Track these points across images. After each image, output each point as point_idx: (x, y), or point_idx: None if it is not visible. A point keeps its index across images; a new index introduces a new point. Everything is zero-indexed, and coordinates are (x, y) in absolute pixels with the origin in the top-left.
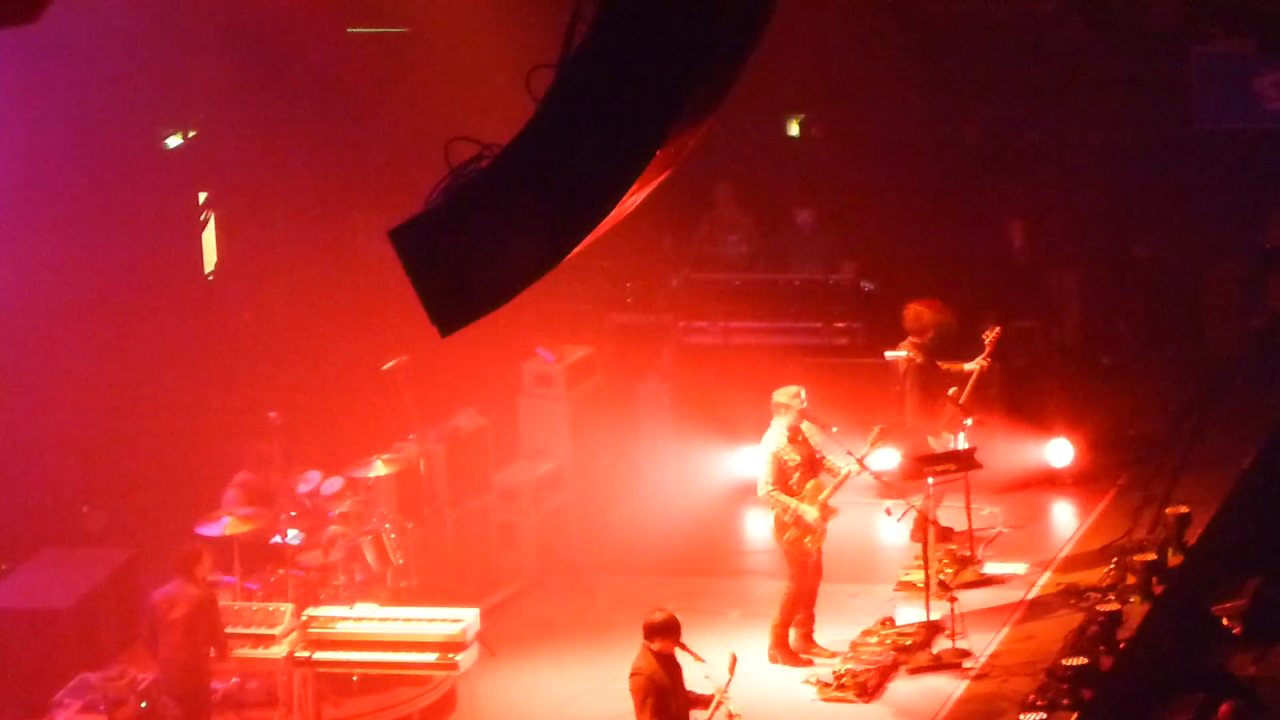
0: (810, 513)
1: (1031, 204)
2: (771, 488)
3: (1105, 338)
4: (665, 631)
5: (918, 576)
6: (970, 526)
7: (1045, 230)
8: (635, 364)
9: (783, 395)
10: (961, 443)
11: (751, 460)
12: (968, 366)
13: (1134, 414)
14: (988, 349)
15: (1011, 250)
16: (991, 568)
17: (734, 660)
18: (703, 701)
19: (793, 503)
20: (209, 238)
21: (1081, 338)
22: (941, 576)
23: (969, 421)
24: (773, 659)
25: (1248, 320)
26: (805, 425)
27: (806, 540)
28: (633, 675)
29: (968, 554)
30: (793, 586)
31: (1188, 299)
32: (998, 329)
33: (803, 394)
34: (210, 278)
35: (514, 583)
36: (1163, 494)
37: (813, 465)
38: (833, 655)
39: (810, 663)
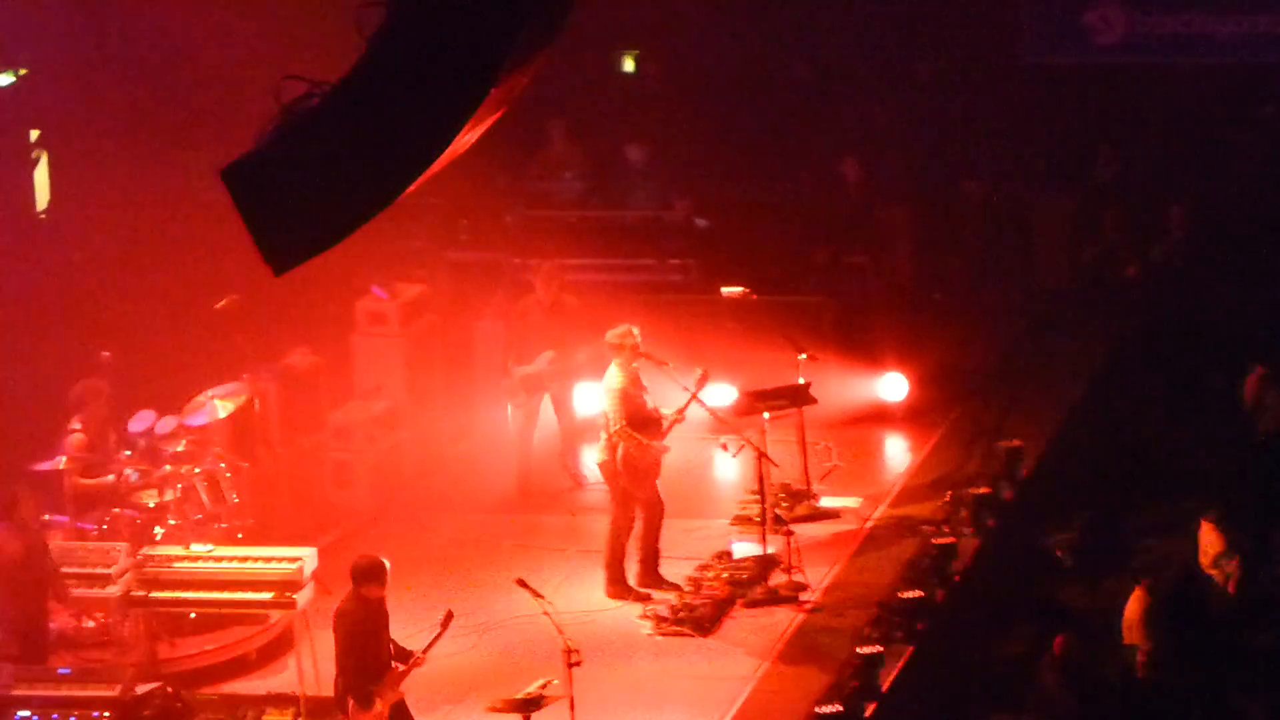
0: (658, 446)
1: (863, 140)
2: (621, 425)
3: (936, 273)
4: (371, 576)
5: (753, 511)
6: (805, 461)
7: (877, 166)
8: (470, 302)
9: (614, 335)
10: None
11: (588, 397)
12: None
13: (965, 349)
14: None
15: (844, 186)
16: (826, 502)
17: (449, 617)
18: (404, 656)
19: (642, 439)
20: (41, 176)
21: (913, 273)
22: (777, 511)
23: (803, 356)
24: (611, 594)
25: (1078, 255)
26: (638, 363)
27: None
28: (336, 617)
29: (803, 488)
30: (643, 521)
31: (1018, 234)
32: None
33: (636, 332)
34: (42, 216)
35: (349, 521)
36: (994, 428)
37: (647, 403)
38: (674, 588)
39: (648, 597)
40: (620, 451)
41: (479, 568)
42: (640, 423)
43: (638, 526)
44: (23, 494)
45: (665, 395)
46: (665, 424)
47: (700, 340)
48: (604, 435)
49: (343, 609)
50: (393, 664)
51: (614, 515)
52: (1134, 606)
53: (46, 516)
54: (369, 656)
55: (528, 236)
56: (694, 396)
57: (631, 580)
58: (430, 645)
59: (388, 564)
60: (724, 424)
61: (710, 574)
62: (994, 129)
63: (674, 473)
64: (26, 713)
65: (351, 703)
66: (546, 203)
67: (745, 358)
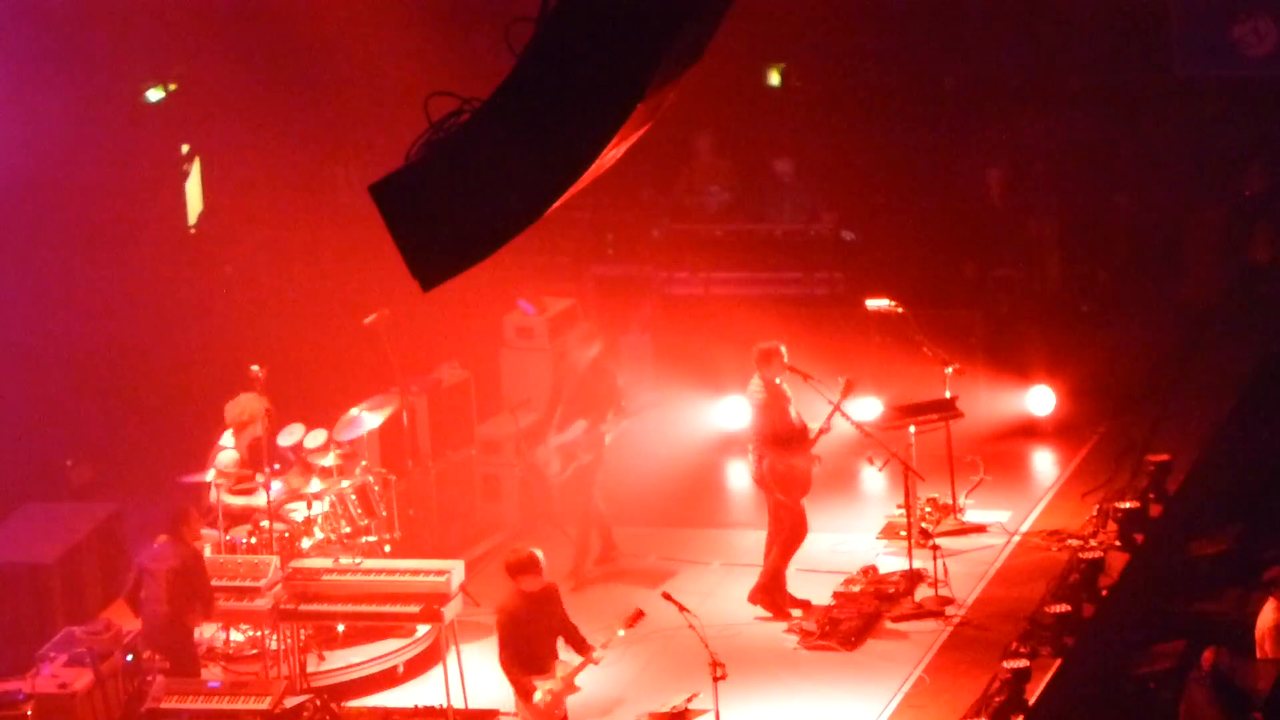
0: (806, 460)
1: (1011, 152)
2: (764, 437)
3: (1085, 286)
4: (525, 568)
5: (900, 525)
6: (952, 475)
7: (1025, 179)
8: (617, 315)
9: (761, 349)
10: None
11: (736, 411)
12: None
13: (1114, 362)
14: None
15: (991, 199)
16: (973, 516)
17: (637, 615)
18: (584, 648)
19: (785, 454)
20: (192, 189)
21: (1061, 286)
22: (923, 525)
23: (950, 370)
24: (756, 601)
25: (1227, 268)
26: (785, 377)
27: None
28: (498, 612)
29: (949, 502)
30: (786, 537)
31: (1168, 247)
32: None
33: (783, 348)
34: (193, 230)
35: (497, 534)
36: (1143, 442)
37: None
38: (801, 605)
39: (791, 614)
40: (766, 464)
41: (625, 580)
42: (785, 436)
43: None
44: (192, 511)
45: (812, 409)
46: (811, 435)
47: (846, 353)
48: (750, 448)
49: (503, 604)
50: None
51: (770, 528)
52: (1266, 618)
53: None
54: (531, 649)
55: (674, 250)
56: (837, 407)
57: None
58: (608, 643)
59: (541, 555)
60: (870, 438)
61: (856, 588)
62: (1144, 142)
63: (820, 487)
64: None
65: (516, 694)
66: (692, 216)
67: (892, 371)
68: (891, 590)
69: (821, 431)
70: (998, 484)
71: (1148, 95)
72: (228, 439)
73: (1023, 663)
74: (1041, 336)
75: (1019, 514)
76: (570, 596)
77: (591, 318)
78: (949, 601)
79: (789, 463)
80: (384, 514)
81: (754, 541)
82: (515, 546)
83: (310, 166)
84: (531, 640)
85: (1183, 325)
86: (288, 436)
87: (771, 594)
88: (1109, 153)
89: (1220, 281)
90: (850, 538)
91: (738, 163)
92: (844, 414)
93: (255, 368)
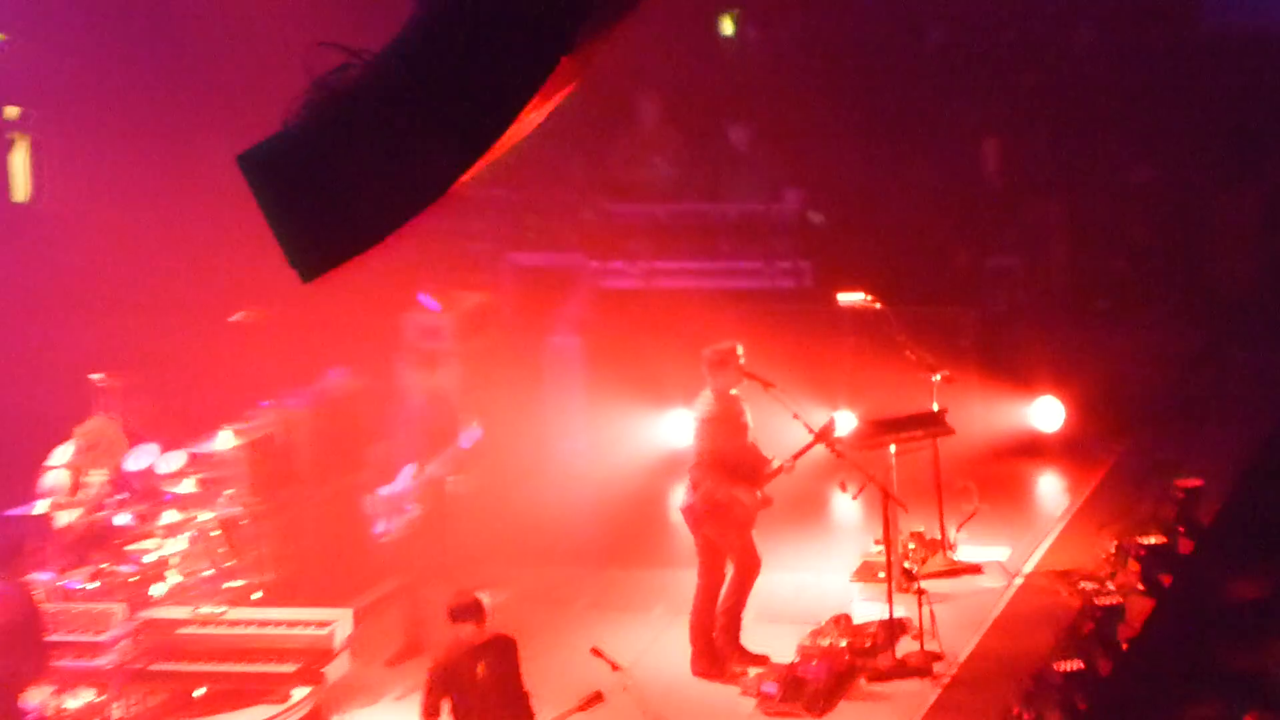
0: (747, 494)
1: (1009, 120)
2: (708, 460)
3: (1098, 278)
4: (464, 614)
5: (878, 564)
6: (940, 504)
7: (1026, 150)
8: (539, 313)
9: (713, 352)
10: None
11: (683, 428)
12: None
13: (1134, 367)
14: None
15: (986, 174)
16: (966, 553)
17: (595, 698)
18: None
19: (727, 485)
20: (19, 161)
21: (1070, 277)
22: (906, 564)
23: (938, 377)
24: (697, 671)
25: (1265, 255)
26: (742, 387)
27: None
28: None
29: (938, 537)
30: (733, 580)
31: (1196, 230)
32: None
33: (740, 350)
34: (27, 205)
35: (396, 577)
36: (1170, 463)
37: (749, 439)
38: (758, 661)
39: (744, 674)
40: (701, 492)
41: (549, 631)
42: (733, 461)
43: (725, 584)
44: (28, 543)
45: (775, 430)
46: (769, 469)
47: (816, 358)
48: (688, 471)
49: (436, 656)
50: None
51: (700, 572)
52: None
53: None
54: (461, 714)
55: (609, 235)
56: (814, 442)
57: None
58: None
59: (488, 600)
60: (843, 460)
61: (826, 641)
62: (1167, 107)
63: (781, 518)
64: None
65: None
66: (630, 194)
67: (868, 379)
68: (868, 644)
69: (780, 470)
70: (995, 515)
71: (1172, 50)
72: (59, 455)
73: None
74: (1046, 337)
75: (1021, 551)
76: None
77: (507, 314)
78: (937, 657)
79: (731, 493)
80: (254, 552)
81: None
82: (462, 588)
83: (169, 135)
84: (463, 703)
85: (1214, 323)
86: (137, 459)
87: (720, 657)
88: (1126, 119)
89: (1256, 271)
90: (818, 580)
91: (685, 130)
92: (824, 440)
93: (99, 376)
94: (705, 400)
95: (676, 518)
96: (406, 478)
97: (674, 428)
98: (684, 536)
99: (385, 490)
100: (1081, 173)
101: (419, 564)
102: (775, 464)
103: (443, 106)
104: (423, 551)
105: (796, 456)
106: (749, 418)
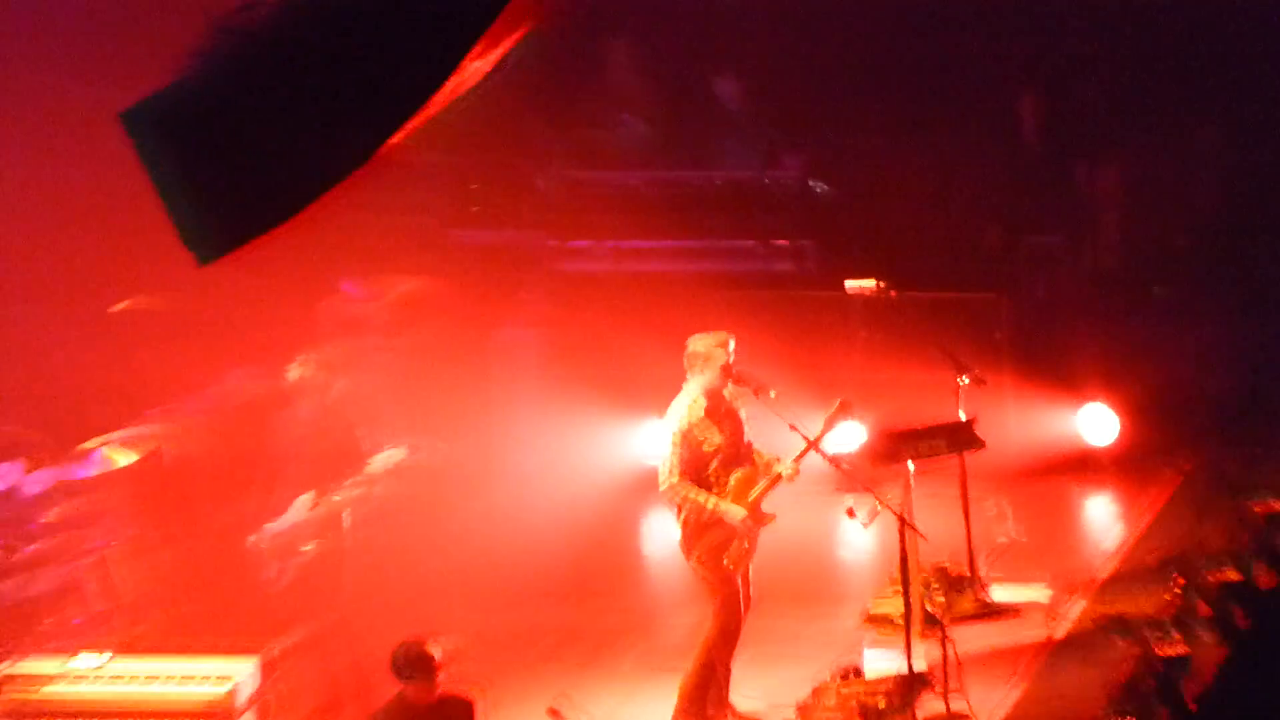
0: (734, 513)
1: (1052, 70)
2: (677, 479)
3: (1157, 258)
4: (413, 668)
5: (894, 607)
6: (969, 533)
7: (1072, 107)
8: (488, 302)
9: (701, 344)
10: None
11: (655, 440)
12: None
13: (1200, 367)
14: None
15: (1024, 135)
16: (1000, 593)
17: None
18: None
19: (709, 500)
20: None
21: (1123, 258)
22: (927, 606)
23: (965, 379)
24: None
25: None
26: (730, 389)
27: (725, 557)
28: None
29: (966, 573)
30: (712, 625)
31: (1274, 203)
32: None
33: (730, 344)
34: None
35: (312, 621)
36: (1244, 482)
37: (739, 449)
38: None
39: None
40: (683, 518)
41: (499, 684)
42: (719, 480)
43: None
44: None
45: (772, 439)
46: (757, 490)
47: (818, 357)
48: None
49: (374, 713)
50: None
51: (714, 615)
52: None
53: None
54: None
55: (571, 208)
56: (814, 444)
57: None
58: None
59: (439, 653)
60: (851, 478)
61: (831, 699)
62: (1239, 54)
63: (778, 550)
64: None
65: None
66: (597, 159)
67: (882, 381)
68: (882, 703)
69: (777, 480)
70: (1035, 546)
71: None
72: None
73: None
74: (1095, 331)
75: (1064, 591)
76: None
77: (449, 303)
78: (964, 718)
79: (715, 517)
80: (139, 593)
81: (684, 627)
82: (409, 637)
83: (35, 85)
84: None
85: None
86: None
87: (701, 713)
88: (1191, 68)
89: None
90: (822, 624)
91: (663, 82)
92: (818, 448)
93: None
94: (680, 403)
95: (653, 547)
96: (300, 510)
97: (651, 439)
98: (662, 571)
99: (274, 526)
100: (1138, 133)
101: (333, 609)
102: (768, 478)
103: (369, 52)
104: (326, 599)
105: (799, 459)
106: (741, 420)
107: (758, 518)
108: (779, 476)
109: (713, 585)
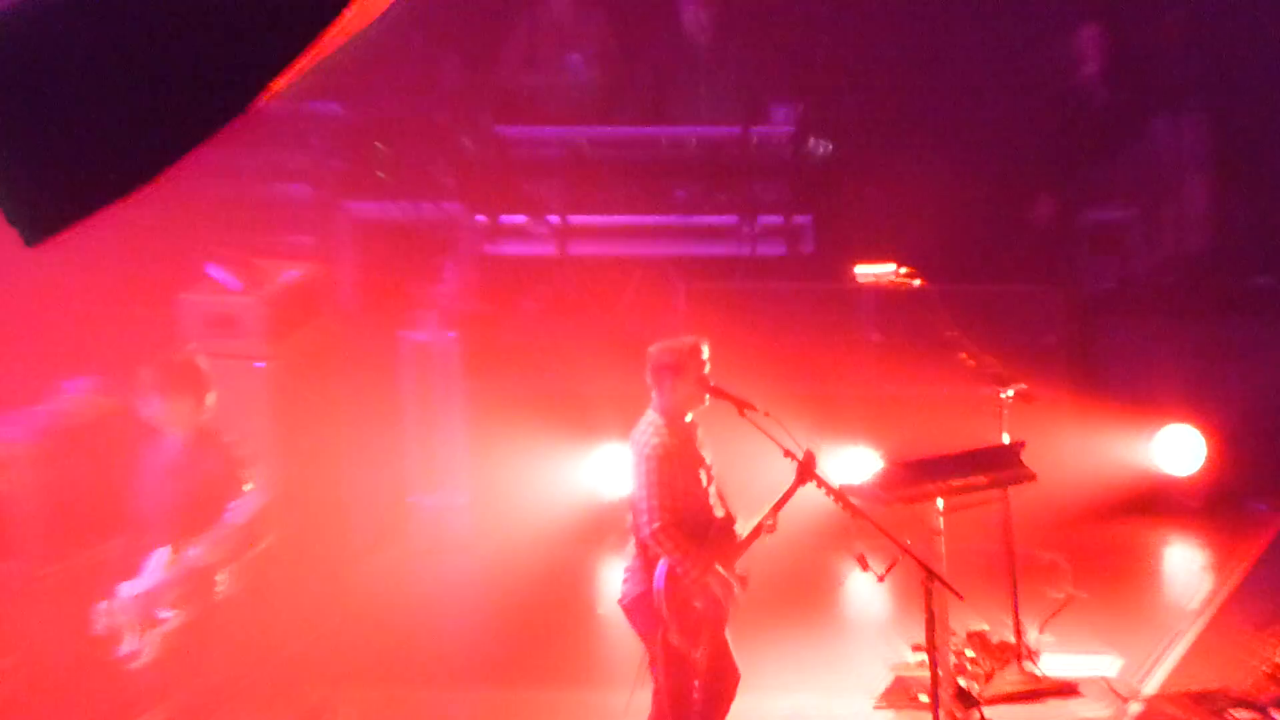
0: (728, 584)
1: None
2: (661, 520)
3: (1255, 239)
4: None
5: (917, 680)
6: (1014, 589)
7: (1145, 47)
8: (398, 294)
9: (668, 354)
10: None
11: (613, 470)
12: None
13: None
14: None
15: (1083, 82)
16: (1054, 665)
17: None
18: None
19: (710, 562)
20: None
21: (1212, 239)
22: (961, 680)
23: (1009, 393)
24: None
25: None
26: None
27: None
28: None
29: (1011, 640)
30: (701, 699)
31: None
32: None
33: (704, 351)
34: None
35: (165, 705)
36: None
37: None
38: None
39: None
40: (661, 572)
41: None
42: (683, 515)
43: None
44: None
45: (751, 480)
46: (742, 534)
47: (819, 365)
48: (633, 542)
49: None
50: None
51: (659, 689)
52: None
53: None
54: None
55: (500, 174)
56: (795, 485)
57: None
58: None
59: None
60: (863, 520)
61: None
62: None
63: (771, 612)
64: None
65: None
66: (534, 111)
67: (901, 398)
68: None
69: (759, 531)
70: (1098, 605)
71: None
72: None
73: None
74: (1175, 332)
75: (1138, 660)
76: None
77: (344, 295)
78: None
79: (696, 571)
80: None
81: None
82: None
83: None
84: None
85: None
86: None
87: None
88: None
89: None
90: (827, 703)
91: (618, 12)
92: (818, 480)
93: None
94: (644, 429)
95: (605, 609)
96: (157, 568)
97: (603, 470)
98: (613, 638)
99: (131, 586)
100: (1230, 82)
101: (203, 687)
102: (751, 524)
103: None
104: (194, 675)
105: (777, 509)
106: (709, 457)
107: (742, 583)
108: (760, 529)
109: (697, 653)
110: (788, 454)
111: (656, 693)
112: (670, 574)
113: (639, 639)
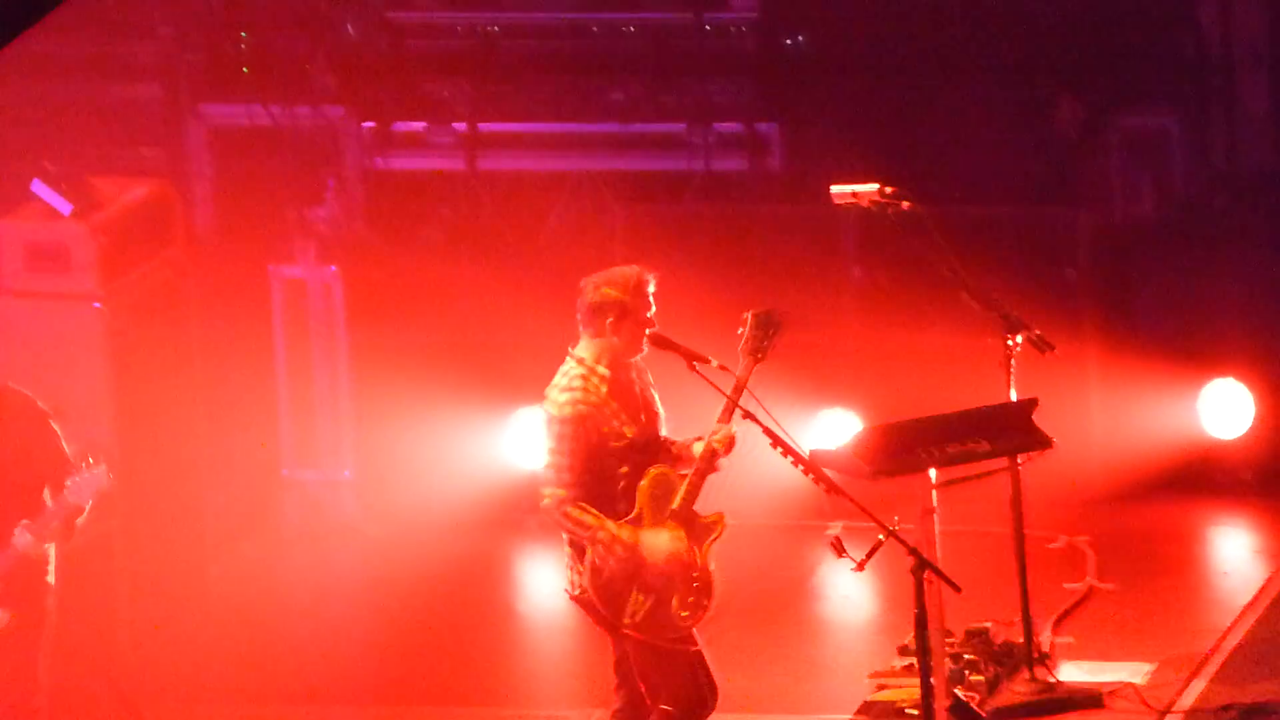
0: (659, 542)
1: None
2: (566, 492)
3: None
4: None
5: (906, 692)
6: (1023, 580)
7: None
8: (266, 221)
9: (607, 289)
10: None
11: (528, 434)
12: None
13: None
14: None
15: None
16: (1073, 671)
17: None
18: None
19: (621, 530)
20: None
21: (1271, 153)
22: (957, 692)
23: (1020, 341)
24: None
25: None
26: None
27: (674, 607)
28: None
29: (1020, 640)
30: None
31: None
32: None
33: (651, 286)
34: None
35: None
36: None
37: (654, 447)
38: None
39: None
40: (590, 560)
41: None
42: (628, 494)
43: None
44: None
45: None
46: (681, 492)
47: (789, 305)
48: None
49: None
50: None
51: (648, 690)
52: None
53: None
54: None
55: (395, 69)
56: (740, 388)
57: None
58: None
59: None
60: (838, 496)
61: None
62: None
63: (728, 608)
64: None
65: None
66: None
67: (887, 345)
68: None
69: (707, 466)
70: (1125, 601)
71: None
72: None
73: None
74: (1223, 266)
75: (1172, 669)
76: None
77: (198, 221)
78: None
79: (636, 555)
80: None
81: None
82: None
83: None
84: None
85: None
86: None
87: None
88: None
89: None
90: None
91: None
92: (779, 441)
93: None
94: (565, 377)
95: (525, 607)
96: None
97: (523, 438)
98: (536, 643)
99: None
100: None
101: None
102: (681, 488)
103: None
104: (12, 688)
105: (727, 415)
106: (654, 401)
107: (696, 531)
108: (713, 453)
109: (660, 662)
110: (746, 415)
111: (648, 693)
112: (598, 567)
113: (604, 633)
